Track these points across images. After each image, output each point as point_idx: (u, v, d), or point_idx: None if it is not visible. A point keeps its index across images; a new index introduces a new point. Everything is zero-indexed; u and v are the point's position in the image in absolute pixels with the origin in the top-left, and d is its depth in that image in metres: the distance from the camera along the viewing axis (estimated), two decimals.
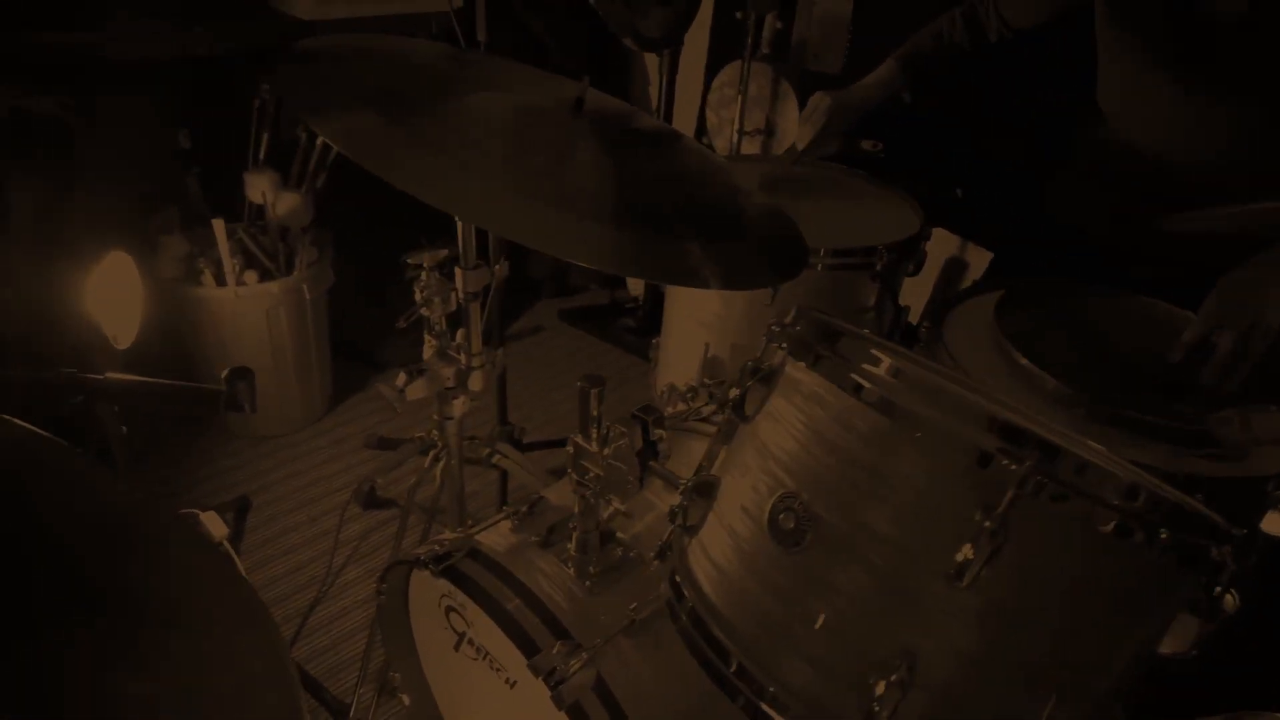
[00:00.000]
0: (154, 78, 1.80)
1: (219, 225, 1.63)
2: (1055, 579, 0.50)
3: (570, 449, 0.83)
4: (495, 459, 1.43)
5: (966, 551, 0.48)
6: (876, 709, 0.49)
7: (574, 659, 0.77)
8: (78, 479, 0.77)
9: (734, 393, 0.61)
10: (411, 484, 1.32)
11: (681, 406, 1.14)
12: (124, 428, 1.06)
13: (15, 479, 0.72)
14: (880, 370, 0.54)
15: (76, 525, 0.73)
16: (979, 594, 0.49)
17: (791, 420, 0.56)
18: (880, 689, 0.49)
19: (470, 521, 1.04)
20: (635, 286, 2.50)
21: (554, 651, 0.77)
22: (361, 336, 2.16)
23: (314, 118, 0.74)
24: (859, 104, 1.35)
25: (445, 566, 0.87)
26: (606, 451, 0.75)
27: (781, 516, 0.53)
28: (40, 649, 0.65)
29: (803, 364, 0.56)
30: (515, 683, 0.93)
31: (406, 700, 1.17)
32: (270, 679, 0.77)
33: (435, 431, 1.29)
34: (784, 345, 0.59)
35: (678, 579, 0.63)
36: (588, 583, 0.86)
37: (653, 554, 0.69)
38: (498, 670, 0.96)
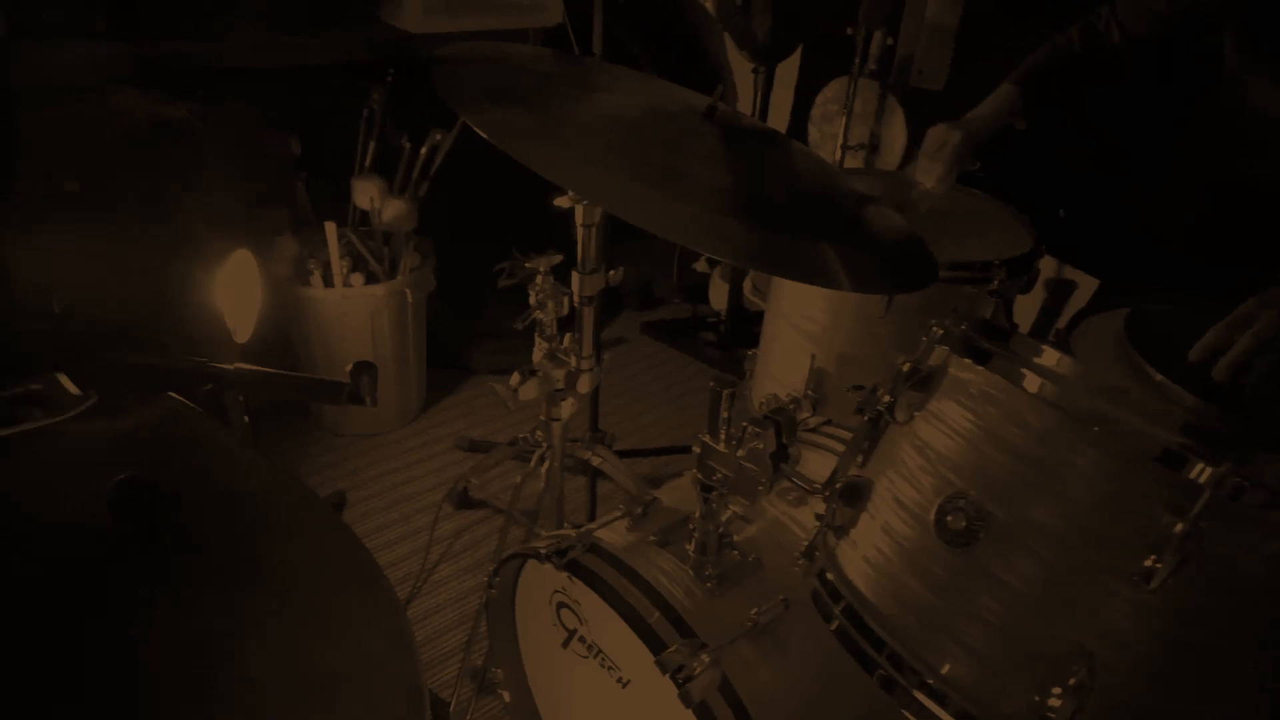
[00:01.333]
0: (269, 86, 1.88)
1: (331, 228, 1.70)
2: (1246, 585, 0.48)
3: (696, 449, 0.84)
4: (597, 462, 1.44)
5: (1153, 556, 0.46)
6: (1055, 707, 0.48)
7: (700, 658, 0.77)
8: (228, 455, 0.80)
9: (886, 397, 0.61)
10: (516, 484, 1.34)
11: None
12: (245, 417, 1.11)
13: (178, 448, 0.76)
14: (1056, 366, 0.53)
15: (224, 497, 0.77)
16: (1164, 599, 0.48)
17: (957, 420, 0.56)
18: (1058, 690, 0.48)
19: (566, 525, 1.06)
20: (718, 301, 2.50)
21: (681, 649, 0.78)
22: (452, 341, 2.21)
23: (466, 112, 0.77)
24: (984, 134, 1.33)
25: (568, 560, 0.88)
26: (740, 453, 0.76)
27: (950, 517, 0.53)
28: (182, 612, 0.68)
29: (969, 361, 0.56)
30: (628, 682, 0.94)
31: (507, 697, 1.18)
32: (394, 658, 0.79)
33: (539, 433, 1.31)
34: (949, 345, 0.58)
35: (829, 577, 0.63)
36: (709, 584, 0.87)
37: (797, 554, 0.69)
38: (609, 669, 0.96)
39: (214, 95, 1.77)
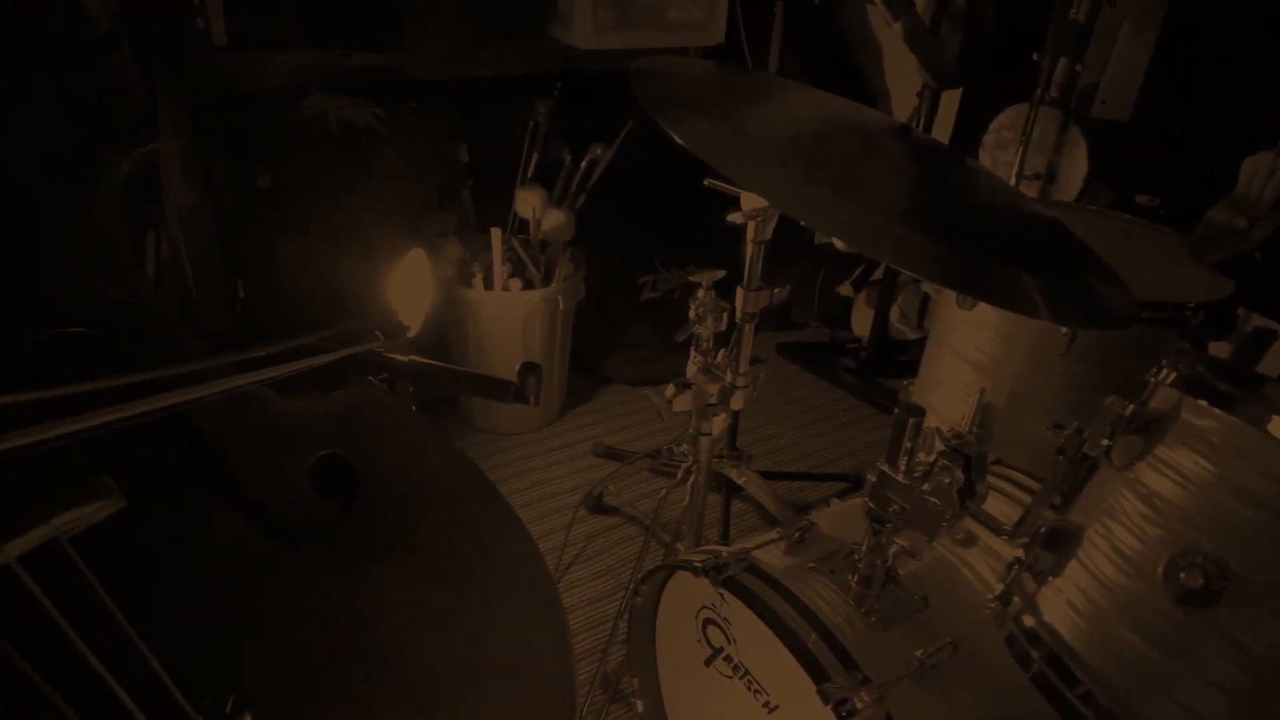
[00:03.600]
0: (444, 96, 1.98)
1: (496, 234, 1.77)
2: None
3: (872, 477, 0.82)
4: (741, 481, 1.43)
5: None
6: None
7: (864, 692, 0.75)
8: (422, 441, 0.84)
9: (1104, 441, 0.58)
10: (660, 494, 1.34)
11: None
12: (413, 407, 1.16)
13: (375, 431, 0.80)
14: None
15: (413, 482, 0.81)
16: None
17: (1191, 469, 0.52)
18: None
19: (711, 541, 1.05)
20: (860, 327, 2.44)
21: (845, 681, 0.76)
22: (593, 350, 2.25)
23: (663, 120, 0.79)
24: None
25: (726, 577, 0.87)
26: (926, 487, 0.73)
27: (1184, 573, 0.49)
28: (366, 590, 0.71)
29: (1206, 405, 0.52)
30: (775, 708, 0.92)
31: (640, 707, 1.18)
32: (553, 655, 0.81)
33: (684, 446, 1.31)
34: (1181, 388, 0.54)
35: (1027, 621, 0.60)
36: (872, 618, 0.84)
37: (991, 596, 0.66)
38: (755, 692, 0.95)
39: (394, 103, 1.88)
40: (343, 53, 1.79)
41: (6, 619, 0.47)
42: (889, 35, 2.48)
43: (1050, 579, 0.59)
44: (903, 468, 0.78)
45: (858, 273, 2.49)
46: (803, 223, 0.98)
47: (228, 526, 0.67)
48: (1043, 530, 0.60)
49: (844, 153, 0.92)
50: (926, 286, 2.35)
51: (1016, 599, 0.64)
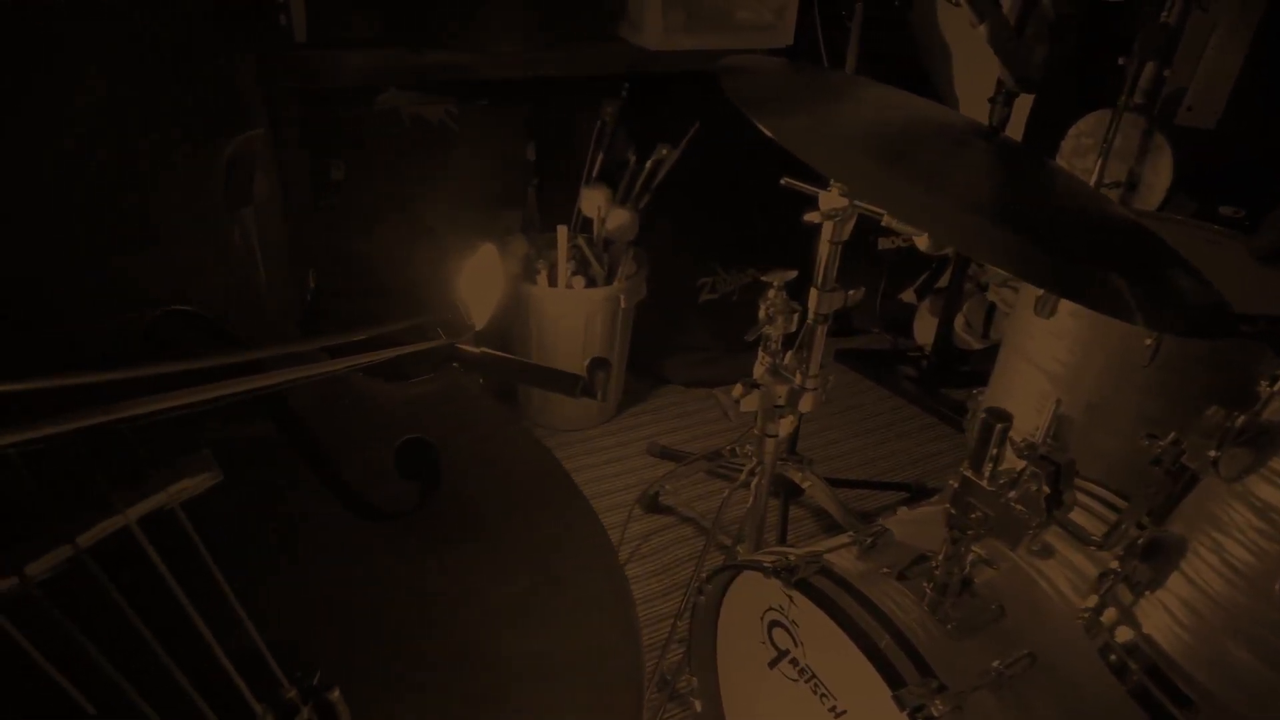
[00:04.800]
0: (513, 95, 2.00)
1: (562, 232, 1.78)
2: None
3: (954, 484, 0.80)
4: (806, 486, 1.42)
5: None
6: None
7: (940, 700, 0.73)
8: (503, 430, 0.85)
9: (1212, 452, 0.56)
10: (724, 495, 1.34)
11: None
12: None
13: (458, 418, 0.81)
14: None
15: (493, 470, 0.81)
16: None
17: None
18: None
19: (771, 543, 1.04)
20: (923, 336, 2.41)
21: (921, 688, 0.74)
22: (650, 350, 2.25)
23: (753, 114, 0.79)
24: None
25: (799, 579, 0.87)
26: (1012, 494, 0.72)
27: None
28: (441, 576, 0.72)
29: None
30: (843, 713, 0.91)
31: (698, 707, 1.18)
32: (623, 650, 0.80)
33: (747, 447, 1.30)
34: None
35: (1122, 634, 0.58)
36: (948, 626, 0.83)
37: (1084, 609, 0.65)
38: (822, 696, 0.94)
39: (466, 101, 1.90)
40: (417, 50, 1.82)
41: (123, 579, 0.49)
42: (959, 38, 2.44)
43: (1151, 591, 0.57)
44: (987, 474, 0.76)
45: (921, 280, 2.45)
46: (886, 219, 0.97)
47: (314, 507, 0.68)
48: (1140, 541, 0.59)
49: (929, 151, 0.91)
50: (993, 295, 2.30)
51: (1111, 610, 0.62)
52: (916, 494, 1.91)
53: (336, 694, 0.59)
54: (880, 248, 2.39)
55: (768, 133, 0.75)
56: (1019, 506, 0.71)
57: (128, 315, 0.62)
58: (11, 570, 0.45)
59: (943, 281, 2.40)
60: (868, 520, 1.23)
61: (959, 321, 2.30)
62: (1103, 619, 0.62)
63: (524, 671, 0.74)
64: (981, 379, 1.52)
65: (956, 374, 2.32)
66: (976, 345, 2.33)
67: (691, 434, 2.10)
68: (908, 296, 2.47)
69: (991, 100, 1.87)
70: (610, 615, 0.83)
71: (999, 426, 0.74)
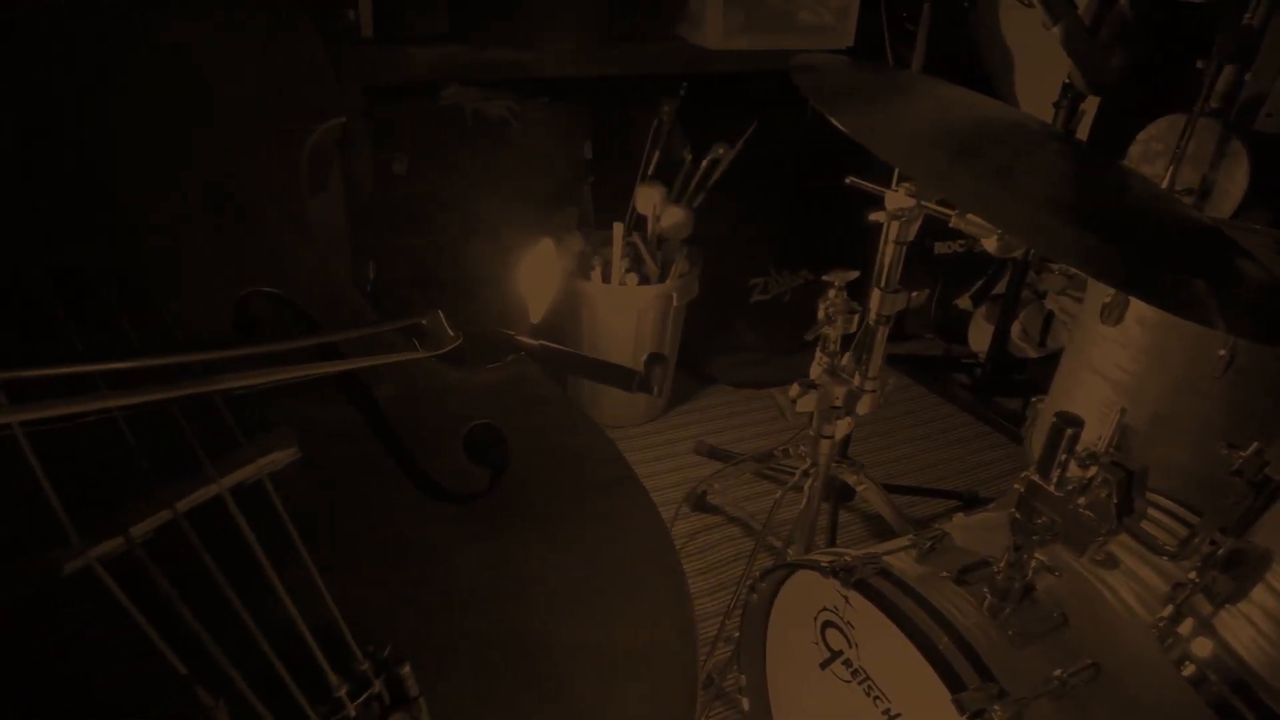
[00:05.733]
0: (572, 93, 2.02)
1: (618, 229, 1.79)
2: None
3: (1019, 488, 0.79)
4: (861, 489, 1.41)
5: None
6: None
7: (1000, 706, 0.73)
8: (566, 419, 0.86)
9: None
10: (777, 497, 1.34)
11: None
12: None
13: (523, 406, 0.82)
14: None
15: (557, 459, 0.82)
16: None
17: None
18: None
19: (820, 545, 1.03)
20: (978, 342, 2.37)
21: (982, 692, 0.74)
22: (699, 349, 2.25)
23: (827, 109, 0.79)
24: None
25: (857, 579, 0.86)
26: (1081, 500, 0.71)
27: None
28: (504, 563, 0.73)
29: None
30: (897, 715, 0.90)
31: (745, 705, 1.18)
32: (679, 646, 0.81)
33: (803, 448, 1.30)
34: None
35: (1201, 646, 0.57)
36: (1009, 632, 0.81)
37: (1158, 618, 0.63)
38: (876, 699, 0.93)
39: (526, 98, 1.93)
40: (481, 47, 1.85)
41: (213, 547, 0.51)
42: (1021, 40, 2.40)
43: (1232, 603, 0.56)
44: (1054, 479, 0.75)
45: (978, 286, 2.41)
46: (954, 221, 0.96)
47: (387, 489, 0.70)
48: (1220, 553, 0.57)
49: (1001, 150, 0.90)
50: (1051, 303, 2.26)
51: (1188, 621, 0.61)
52: (968, 502, 1.88)
53: (407, 669, 0.60)
54: (936, 251, 2.36)
55: (842, 128, 0.75)
56: (1088, 513, 0.70)
57: (218, 295, 0.65)
58: (118, 531, 0.47)
59: (999, 288, 2.36)
60: (921, 527, 1.22)
61: (1015, 329, 2.26)
62: (1179, 630, 0.61)
63: (581, 661, 0.75)
64: (1036, 388, 1.48)
65: (1011, 382, 2.28)
66: (1033, 354, 2.29)
67: (739, 434, 2.10)
68: (963, 302, 2.44)
69: (1056, 104, 1.84)
70: (667, 610, 0.83)
71: (1070, 431, 0.72)
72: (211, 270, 0.66)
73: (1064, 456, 0.74)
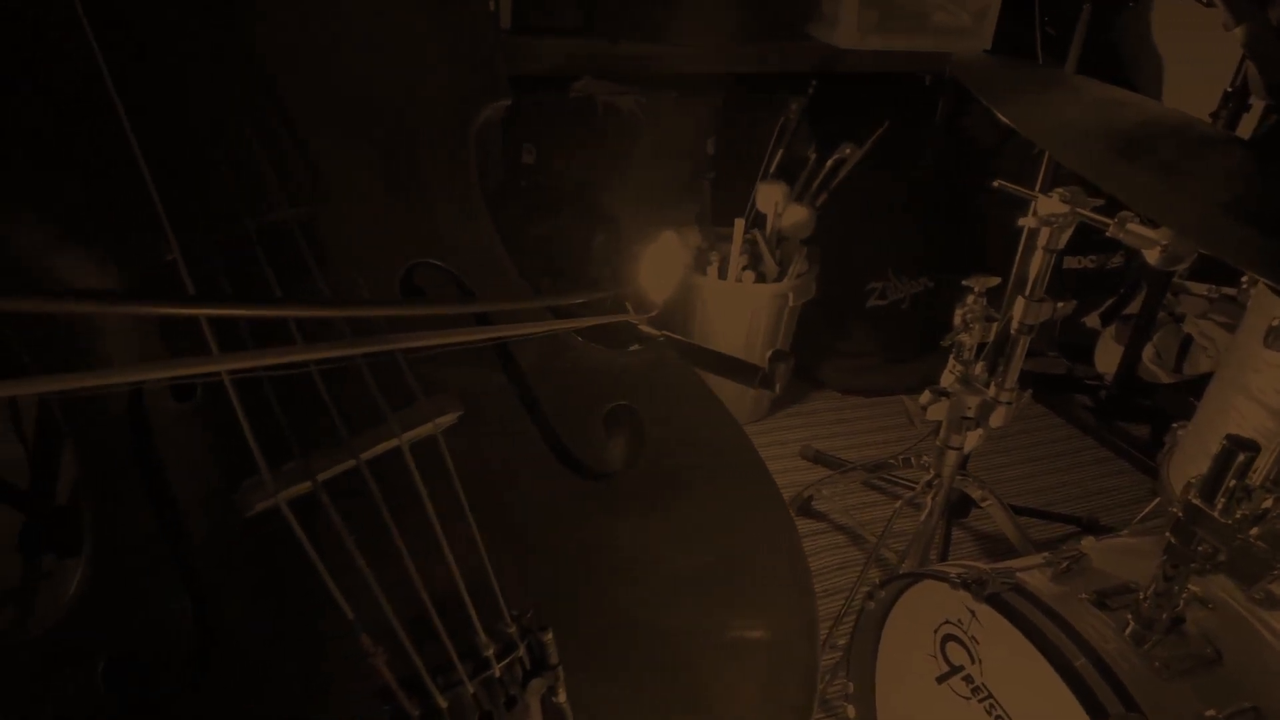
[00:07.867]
0: (700, 88, 2.02)
1: (738, 225, 1.79)
2: None
3: (1177, 512, 0.75)
4: (986, 505, 1.37)
5: None
6: None
7: None
8: (705, 405, 0.86)
9: None
10: (896, 507, 1.31)
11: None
12: None
13: (665, 392, 0.83)
14: None
15: (692, 446, 0.83)
16: None
17: None
18: None
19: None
20: (1105, 364, 2.25)
21: None
22: (809, 352, 2.22)
23: (995, 104, 0.77)
24: None
25: (990, 594, 0.84)
26: (1254, 531, 0.66)
27: None
28: (635, 545, 0.73)
29: None
30: None
31: (851, 713, 1.16)
32: (800, 644, 0.80)
33: (927, 458, 1.27)
34: None
35: None
36: (1155, 663, 0.77)
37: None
38: (998, 718, 0.90)
39: (655, 92, 1.94)
40: (614, 41, 1.87)
41: (390, 499, 0.53)
42: (1173, 48, 2.28)
43: None
44: (1219, 506, 0.71)
45: (1108, 304, 2.30)
46: (1112, 229, 0.92)
47: (530, 459, 0.71)
48: None
49: (1167, 150, 0.86)
50: (1190, 326, 2.13)
51: None
52: (1087, 528, 1.79)
53: (550, 636, 0.62)
54: (1065, 266, 2.26)
55: (1008, 122, 0.72)
56: (1261, 544, 0.66)
57: (386, 265, 0.68)
58: (306, 476, 0.50)
59: (1132, 307, 2.24)
60: (1044, 549, 1.17)
61: (1148, 352, 2.14)
62: None
63: (702, 646, 0.75)
64: (1166, 415, 1.39)
65: (1138, 408, 2.16)
66: (1165, 379, 2.16)
67: (847, 441, 2.06)
68: (1092, 321, 2.32)
69: (1214, 115, 1.74)
70: (792, 604, 0.83)
71: (1243, 455, 0.68)
72: (382, 238, 0.69)
73: (1233, 483, 0.69)
